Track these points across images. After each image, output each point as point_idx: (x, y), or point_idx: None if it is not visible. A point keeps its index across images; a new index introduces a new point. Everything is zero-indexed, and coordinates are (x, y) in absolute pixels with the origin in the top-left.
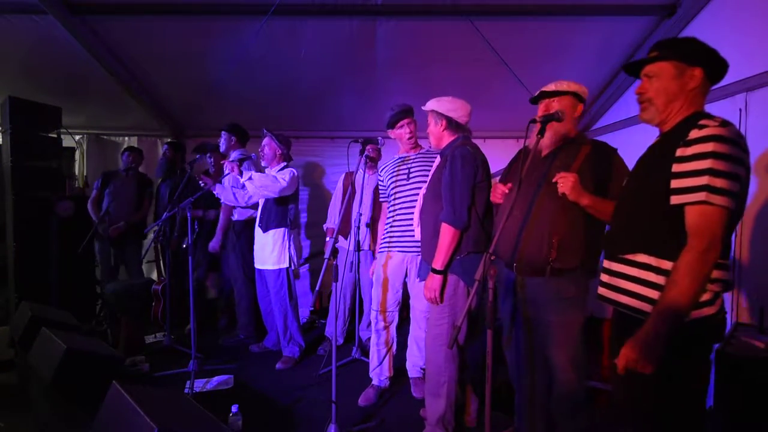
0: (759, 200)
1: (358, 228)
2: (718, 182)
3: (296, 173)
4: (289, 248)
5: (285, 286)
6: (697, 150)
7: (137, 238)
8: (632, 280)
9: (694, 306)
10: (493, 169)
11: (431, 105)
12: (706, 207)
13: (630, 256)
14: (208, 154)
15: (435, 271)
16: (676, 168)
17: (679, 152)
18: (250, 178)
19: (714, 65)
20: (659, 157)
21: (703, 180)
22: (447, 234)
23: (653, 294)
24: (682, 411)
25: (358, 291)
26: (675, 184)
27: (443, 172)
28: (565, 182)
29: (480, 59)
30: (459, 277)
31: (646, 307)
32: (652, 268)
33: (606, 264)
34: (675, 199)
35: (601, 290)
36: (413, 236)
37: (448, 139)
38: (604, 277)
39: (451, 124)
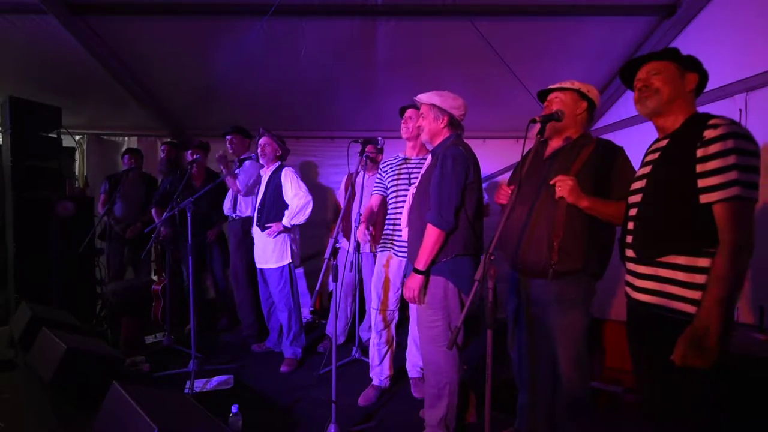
0: (759, 200)
1: (358, 228)
2: (746, 176)
3: (297, 174)
4: (290, 244)
5: (288, 283)
6: (719, 148)
7: (149, 238)
8: (664, 281)
9: (736, 300)
10: (493, 169)
11: (433, 99)
12: (738, 202)
13: (662, 259)
14: (198, 155)
15: (416, 271)
16: (700, 168)
17: (700, 153)
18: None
19: (703, 75)
20: (677, 160)
21: (732, 175)
22: (431, 235)
23: (689, 293)
24: (706, 406)
25: (359, 291)
26: (703, 183)
27: (433, 172)
28: (563, 185)
29: (480, 59)
30: (448, 279)
31: (682, 306)
32: (688, 267)
33: (632, 268)
34: (705, 198)
35: (634, 294)
36: (403, 241)
37: (443, 136)
38: (634, 281)
39: (453, 121)
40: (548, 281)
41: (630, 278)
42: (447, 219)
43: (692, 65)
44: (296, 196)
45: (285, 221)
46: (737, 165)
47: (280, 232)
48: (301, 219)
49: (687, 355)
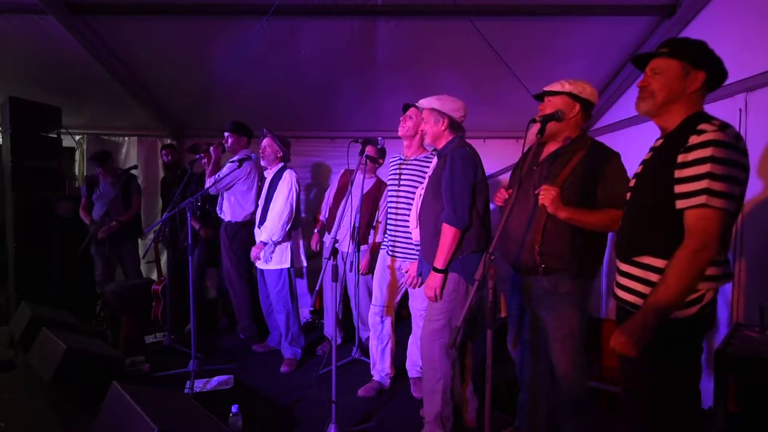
0: (759, 200)
1: (358, 229)
2: (717, 185)
3: (295, 175)
4: (290, 247)
5: (287, 285)
6: (697, 155)
7: (133, 237)
8: (638, 280)
9: (682, 301)
10: (492, 169)
11: (432, 103)
12: (705, 210)
13: (638, 258)
14: (200, 155)
15: (436, 270)
16: (678, 174)
17: (680, 158)
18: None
19: (716, 72)
20: (662, 162)
21: (702, 184)
22: (449, 234)
23: None
24: (677, 408)
25: (344, 290)
26: (678, 189)
27: (443, 173)
28: (545, 196)
29: (480, 59)
30: (460, 276)
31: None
32: (660, 270)
33: (618, 265)
34: (680, 204)
35: (615, 290)
36: (403, 242)
37: (446, 138)
38: (617, 278)
39: (453, 124)
40: (540, 277)
41: (615, 274)
42: (462, 218)
43: (703, 61)
44: (272, 209)
45: (264, 237)
46: (710, 174)
47: (276, 243)
48: (278, 235)
49: (617, 342)
